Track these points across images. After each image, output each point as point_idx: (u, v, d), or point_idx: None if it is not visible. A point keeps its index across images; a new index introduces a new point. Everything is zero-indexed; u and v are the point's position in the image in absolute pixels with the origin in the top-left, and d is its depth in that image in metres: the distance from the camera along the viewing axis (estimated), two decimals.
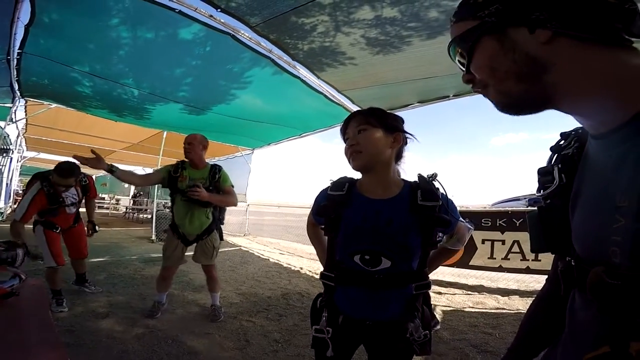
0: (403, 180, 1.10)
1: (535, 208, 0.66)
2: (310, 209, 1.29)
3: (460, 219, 1.14)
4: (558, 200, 0.60)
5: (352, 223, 1.04)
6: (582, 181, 0.55)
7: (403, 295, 1.05)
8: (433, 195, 1.03)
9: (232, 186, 3.06)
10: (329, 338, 1.05)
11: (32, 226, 3.16)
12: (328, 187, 1.14)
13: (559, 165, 0.61)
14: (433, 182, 1.06)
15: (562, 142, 0.64)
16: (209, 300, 3.48)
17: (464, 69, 0.58)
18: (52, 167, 3.14)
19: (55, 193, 3.08)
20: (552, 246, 0.63)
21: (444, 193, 1.05)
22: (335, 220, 1.06)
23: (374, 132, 1.05)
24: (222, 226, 3.27)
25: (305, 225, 1.39)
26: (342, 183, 1.11)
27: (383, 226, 1.01)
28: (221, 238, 3.19)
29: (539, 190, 0.64)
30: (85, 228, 3.56)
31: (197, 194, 2.70)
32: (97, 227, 3.58)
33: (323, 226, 1.16)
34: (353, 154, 1.05)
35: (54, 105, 5.78)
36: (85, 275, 3.64)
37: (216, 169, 3.01)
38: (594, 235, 0.50)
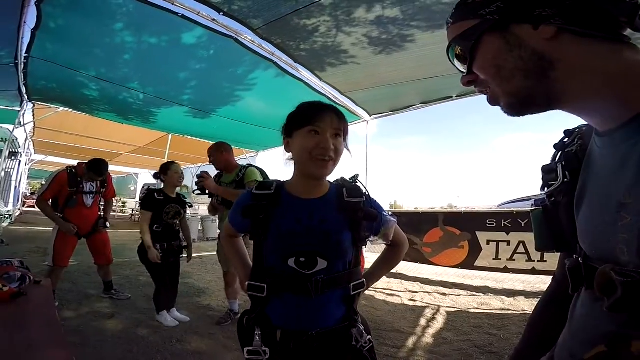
0: (328, 181, 1.07)
1: (539, 207, 0.65)
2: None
3: (385, 212, 1.11)
4: (563, 198, 0.59)
5: (284, 224, 0.97)
6: (586, 178, 0.54)
7: (342, 298, 1.00)
8: (358, 192, 1.03)
9: (257, 182, 2.95)
10: None
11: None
12: (252, 188, 1.06)
13: (563, 163, 0.60)
14: (355, 182, 1.08)
15: (566, 140, 0.63)
16: (212, 302, 3.49)
17: (464, 71, 0.56)
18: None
19: (77, 174, 3.30)
20: (558, 245, 0.62)
21: (367, 192, 1.06)
22: (264, 221, 0.97)
23: (342, 141, 0.99)
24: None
25: None
26: (269, 183, 1.05)
27: (317, 225, 0.96)
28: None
29: (543, 188, 0.63)
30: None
31: (202, 181, 2.62)
32: (108, 223, 3.62)
33: (244, 234, 1.11)
34: (326, 161, 0.94)
35: (61, 108, 5.86)
36: (112, 283, 3.69)
37: (241, 168, 2.91)
38: (600, 233, 0.49)
